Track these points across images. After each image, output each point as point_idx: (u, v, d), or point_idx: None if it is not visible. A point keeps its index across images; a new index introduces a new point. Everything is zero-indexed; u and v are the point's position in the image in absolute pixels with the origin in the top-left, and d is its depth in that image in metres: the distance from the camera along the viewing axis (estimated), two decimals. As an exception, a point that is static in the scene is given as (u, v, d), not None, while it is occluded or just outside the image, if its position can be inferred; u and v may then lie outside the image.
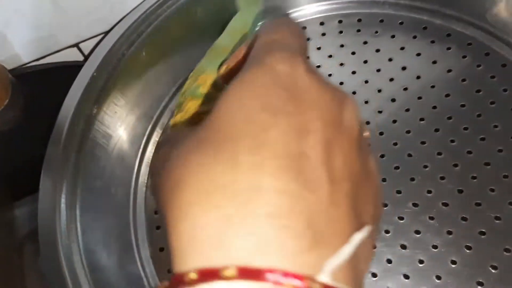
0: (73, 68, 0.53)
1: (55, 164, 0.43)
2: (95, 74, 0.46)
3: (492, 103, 0.46)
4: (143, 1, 0.51)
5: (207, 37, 0.54)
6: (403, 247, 0.41)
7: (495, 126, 0.45)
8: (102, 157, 0.47)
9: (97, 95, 0.46)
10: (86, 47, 0.55)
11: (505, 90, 0.46)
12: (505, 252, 0.39)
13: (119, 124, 0.49)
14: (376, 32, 0.54)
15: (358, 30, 0.55)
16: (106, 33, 0.54)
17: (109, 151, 0.48)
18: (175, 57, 0.54)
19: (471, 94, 0.47)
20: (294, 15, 0.57)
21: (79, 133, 0.44)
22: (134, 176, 0.51)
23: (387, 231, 0.42)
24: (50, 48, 0.54)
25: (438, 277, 0.39)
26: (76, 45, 0.55)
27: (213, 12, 0.54)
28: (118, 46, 0.48)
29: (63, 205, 0.41)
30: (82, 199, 0.43)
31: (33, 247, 0.55)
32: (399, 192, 0.44)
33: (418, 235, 0.42)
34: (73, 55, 0.56)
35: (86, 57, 0.56)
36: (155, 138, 0.53)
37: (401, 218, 0.43)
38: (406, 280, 0.40)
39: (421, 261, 0.40)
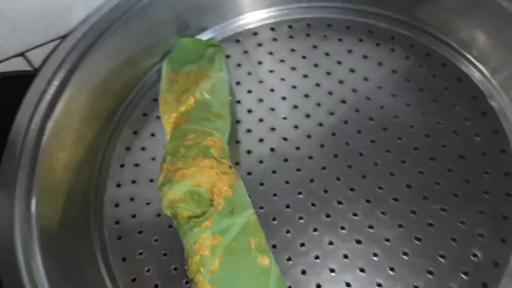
0: (20, 78, 0.51)
1: (10, 178, 0.41)
2: (47, 86, 0.45)
3: (434, 101, 0.49)
4: (92, 12, 0.50)
5: (158, 45, 0.56)
6: (358, 242, 0.43)
7: (438, 123, 0.47)
8: (59, 171, 0.46)
9: (50, 108, 0.45)
10: (33, 55, 0.54)
11: (446, 88, 0.49)
12: (452, 242, 0.41)
13: (76, 138, 0.48)
14: (325, 36, 0.56)
15: (308, 35, 0.56)
16: (53, 41, 0.53)
17: (66, 165, 0.47)
18: (125, 68, 0.54)
19: (415, 93, 0.49)
20: (244, 21, 0.58)
21: (33, 147, 0.43)
22: (93, 188, 0.50)
23: (342, 227, 0.44)
24: (-6, 58, 0.52)
25: (392, 269, 0.41)
26: (22, 54, 0.53)
27: (163, 19, 0.54)
28: (70, 58, 0.47)
29: (18, 222, 0.40)
30: (38, 213, 0.42)
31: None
32: (352, 189, 0.46)
33: (372, 230, 0.43)
34: (19, 65, 0.54)
35: (33, 67, 0.55)
36: (112, 151, 0.52)
37: (355, 215, 0.44)
38: (362, 273, 0.41)
39: (375, 254, 0.42)
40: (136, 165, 0.51)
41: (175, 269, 0.45)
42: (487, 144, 0.45)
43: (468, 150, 0.45)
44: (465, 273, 0.40)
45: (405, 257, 0.41)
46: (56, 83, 0.47)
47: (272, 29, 0.58)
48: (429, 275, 0.40)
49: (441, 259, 0.41)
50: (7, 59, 0.53)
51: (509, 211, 0.42)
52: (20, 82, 0.51)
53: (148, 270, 0.45)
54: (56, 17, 0.51)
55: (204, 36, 0.58)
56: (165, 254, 0.46)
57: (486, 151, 0.45)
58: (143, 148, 0.52)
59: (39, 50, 0.53)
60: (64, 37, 0.52)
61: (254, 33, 0.58)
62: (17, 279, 0.38)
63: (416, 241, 0.42)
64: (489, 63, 0.48)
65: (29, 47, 0.53)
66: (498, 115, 0.46)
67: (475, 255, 0.40)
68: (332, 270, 0.42)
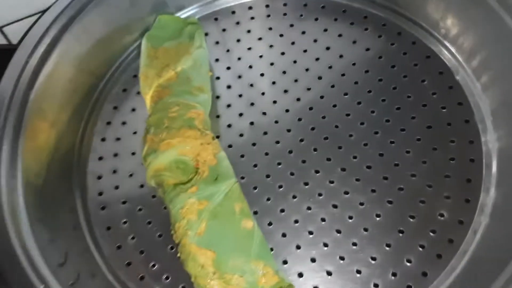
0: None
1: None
2: (28, 59, 0.45)
3: (405, 76, 0.52)
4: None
5: (137, 22, 0.56)
6: (335, 206, 0.46)
7: (408, 97, 0.50)
8: (41, 143, 0.46)
9: (32, 80, 0.45)
10: (10, 30, 0.53)
11: (415, 65, 0.52)
12: (420, 204, 0.45)
13: (57, 111, 0.49)
14: (301, 15, 0.58)
15: (285, 14, 0.58)
16: (31, 16, 0.53)
17: (48, 138, 0.47)
18: (104, 44, 0.55)
19: (387, 70, 0.52)
20: (222, 0, 0.60)
21: (16, 118, 0.44)
22: (75, 161, 0.51)
23: (320, 194, 0.46)
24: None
25: (366, 229, 0.44)
26: (0, 29, 0.53)
27: None
28: (50, 32, 0.48)
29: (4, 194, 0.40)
30: (23, 184, 0.42)
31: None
32: (328, 159, 0.48)
33: (347, 195, 0.46)
34: (-4, 40, 0.54)
35: (10, 41, 0.54)
36: (93, 126, 0.53)
37: (332, 182, 0.47)
38: (339, 234, 0.44)
39: (350, 217, 0.45)
40: (118, 139, 0.52)
41: (160, 236, 0.46)
42: (452, 115, 0.48)
43: (435, 121, 0.48)
44: (433, 231, 0.43)
45: (378, 218, 0.44)
46: (37, 56, 0.47)
47: (250, 8, 0.59)
48: (400, 234, 0.43)
49: (410, 219, 0.44)
50: (-16, 33, 0.52)
51: (473, 175, 0.45)
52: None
53: (132, 238, 0.47)
54: (35, -9, 0.51)
55: (183, 15, 0.60)
56: (149, 223, 0.47)
57: (452, 122, 0.48)
58: (124, 123, 0.53)
59: (17, 25, 0.53)
60: (43, 12, 0.52)
61: (232, 11, 0.59)
62: (8, 245, 0.38)
63: (388, 204, 0.45)
64: (455, 41, 0.51)
65: (6, 22, 0.52)
66: (463, 89, 0.49)
67: (442, 215, 0.44)
68: (310, 233, 0.45)
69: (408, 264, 0.42)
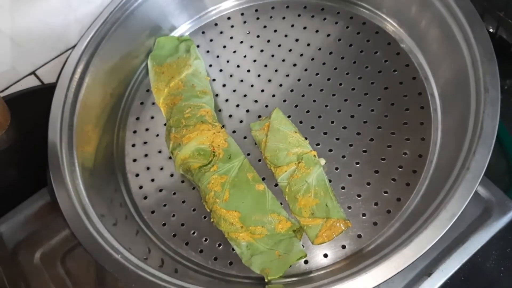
0: (35, 93, 0.64)
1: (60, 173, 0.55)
2: (67, 92, 0.58)
3: (361, 51, 0.64)
4: (87, 29, 0.63)
5: (140, 47, 0.68)
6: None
7: (366, 67, 0.63)
8: (89, 159, 0.59)
9: (72, 108, 0.58)
10: (41, 73, 0.66)
11: (368, 41, 0.65)
12: (388, 148, 0.57)
13: (93, 130, 0.62)
14: (271, 17, 0.70)
15: (257, 18, 0.71)
16: (56, 57, 0.65)
17: (92, 153, 0.60)
18: (119, 69, 0.67)
19: (346, 49, 0.65)
20: (205, 16, 0.72)
21: (68, 143, 0.57)
22: (116, 166, 0.64)
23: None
24: (11, 80, 0.64)
25: (350, 175, 0.57)
26: (33, 72, 0.65)
27: (140, 26, 0.68)
28: (77, 69, 0.61)
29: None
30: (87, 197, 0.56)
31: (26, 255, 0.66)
32: (312, 127, 0.61)
33: (331, 152, 0.59)
34: (28, 82, 0.66)
35: (42, 82, 0.67)
36: (123, 135, 0.66)
37: (318, 144, 0.60)
38: (330, 182, 0.57)
39: (337, 168, 0.58)
40: (145, 142, 0.65)
41: (194, 210, 0.59)
42: (402, 75, 0.61)
43: (390, 82, 0.61)
44: (400, 167, 0.56)
45: (357, 165, 0.57)
46: (72, 89, 0.60)
47: (229, 18, 0.72)
48: (376, 174, 0.56)
49: (382, 161, 0.57)
50: (21, 79, 0.64)
51: (424, 118, 0.58)
52: (36, 96, 0.64)
53: (173, 216, 0.59)
54: (57, 37, 0.63)
55: (176, 33, 0.72)
56: (183, 202, 0.60)
57: (403, 81, 0.61)
58: (147, 129, 0.66)
59: (46, 67, 0.65)
60: (65, 52, 0.65)
61: (215, 24, 0.72)
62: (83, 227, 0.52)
63: (363, 153, 0.58)
64: (396, 16, 0.64)
65: (37, 66, 0.64)
66: (408, 54, 0.62)
67: (405, 153, 0.57)
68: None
69: (386, 194, 0.55)
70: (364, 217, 0.54)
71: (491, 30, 0.70)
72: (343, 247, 0.53)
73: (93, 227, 0.52)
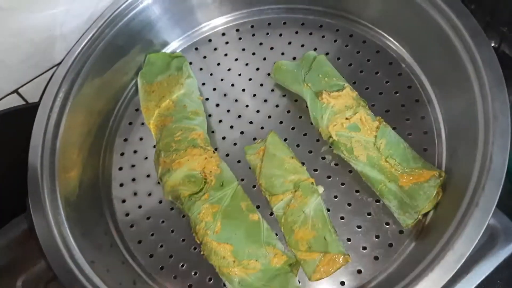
0: (18, 112, 0.60)
1: (38, 196, 0.52)
2: (50, 113, 0.55)
3: (361, 71, 0.61)
4: (73, 46, 0.60)
5: (130, 63, 0.65)
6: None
7: (367, 88, 0.60)
8: (72, 182, 0.56)
9: (55, 131, 0.55)
10: (25, 91, 0.62)
11: (368, 60, 0.62)
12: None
13: (78, 151, 0.58)
14: (267, 33, 0.67)
15: (253, 35, 0.68)
16: (40, 75, 0.62)
17: (76, 176, 0.57)
18: (107, 87, 0.64)
19: (346, 68, 0.62)
20: (199, 31, 0.69)
21: (49, 166, 0.53)
22: (102, 190, 0.60)
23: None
24: (-8, 98, 0.60)
25: (349, 204, 0.54)
26: (16, 91, 0.61)
27: (131, 42, 0.64)
28: (62, 87, 0.57)
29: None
30: (66, 219, 0.52)
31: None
32: (310, 152, 0.58)
33: (329, 179, 0.56)
34: (12, 101, 0.62)
35: (26, 101, 0.63)
36: (110, 158, 0.63)
37: (316, 170, 0.57)
38: (329, 212, 0.54)
39: (335, 196, 0.55)
40: (132, 165, 0.62)
41: (183, 240, 0.56)
42: (404, 97, 0.58)
43: (391, 105, 0.58)
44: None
45: (357, 194, 0.54)
46: (56, 110, 0.56)
47: (223, 34, 0.69)
48: (377, 203, 0.53)
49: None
50: (3, 97, 0.61)
51: (428, 144, 0.55)
52: (19, 115, 0.60)
53: (161, 246, 0.56)
54: (42, 54, 0.60)
55: (167, 50, 0.69)
56: (172, 231, 0.57)
57: (405, 103, 0.58)
58: (135, 151, 0.63)
59: (30, 85, 0.62)
60: (50, 69, 0.61)
61: (209, 40, 0.69)
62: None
63: (364, 181, 0.54)
64: (397, 35, 0.61)
65: (21, 83, 0.61)
66: (410, 74, 0.59)
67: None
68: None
69: (387, 226, 0.52)
70: (364, 251, 0.51)
71: (493, 44, 0.67)
72: (342, 283, 0.50)
73: (72, 260, 0.49)
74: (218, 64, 0.67)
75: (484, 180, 0.43)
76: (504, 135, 0.44)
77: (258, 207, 0.56)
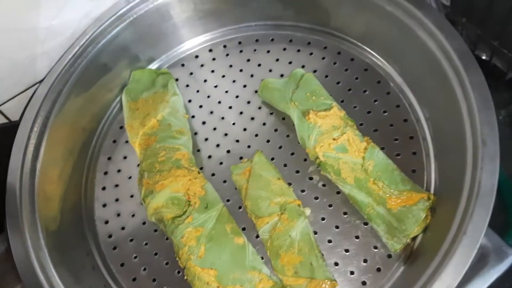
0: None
1: (16, 218, 0.50)
2: (30, 134, 0.53)
3: (349, 90, 0.60)
4: (55, 64, 0.58)
5: (115, 80, 0.64)
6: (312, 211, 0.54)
7: (355, 107, 0.59)
8: (53, 202, 0.54)
9: (36, 151, 0.53)
10: (6, 108, 0.61)
11: (356, 78, 0.61)
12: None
13: (60, 172, 0.57)
14: (255, 50, 0.66)
15: (241, 51, 0.67)
16: (22, 92, 0.60)
17: (57, 196, 0.55)
18: (90, 105, 0.62)
19: (334, 86, 0.61)
20: (186, 47, 0.68)
21: (29, 188, 0.52)
22: (84, 211, 0.59)
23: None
24: (-28, 116, 0.59)
25: (337, 227, 0.53)
26: (-3, 109, 0.60)
27: (116, 57, 0.63)
28: (43, 106, 0.55)
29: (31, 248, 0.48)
30: (45, 238, 0.50)
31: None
32: (297, 172, 0.57)
33: (317, 200, 0.55)
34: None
35: (8, 119, 0.61)
36: (93, 177, 0.61)
37: (303, 191, 0.55)
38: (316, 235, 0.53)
39: (323, 219, 0.53)
40: (116, 185, 0.60)
41: (166, 263, 0.54)
42: (393, 116, 0.57)
43: (380, 124, 0.57)
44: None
45: (345, 216, 0.53)
46: (36, 130, 0.55)
47: (210, 50, 0.68)
48: (365, 226, 0.52)
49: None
50: (-16, 115, 0.60)
51: (416, 165, 0.54)
52: (1, 134, 0.59)
53: (144, 269, 0.55)
54: (23, 71, 0.58)
55: (153, 66, 0.68)
56: (155, 254, 0.55)
57: (393, 123, 0.57)
58: (119, 171, 0.61)
59: (12, 102, 0.60)
60: (32, 86, 0.60)
61: (196, 56, 0.68)
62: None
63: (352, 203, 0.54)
64: (386, 54, 0.60)
65: (2, 101, 0.59)
66: (398, 93, 0.58)
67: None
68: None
69: (375, 250, 0.51)
70: (352, 275, 0.50)
71: (484, 57, 0.67)
72: (329, 309, 0.48)
73: (49, 285, 0.47)
74: (205, 80, 0.66)
75: (472, 206, 0.42)
76: (493, 160, 0.43)
77: (244, 229, 0.54)
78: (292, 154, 0.58)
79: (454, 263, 0.40)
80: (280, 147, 0.59)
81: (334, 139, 0.53)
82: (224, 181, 0.58)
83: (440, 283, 0.40)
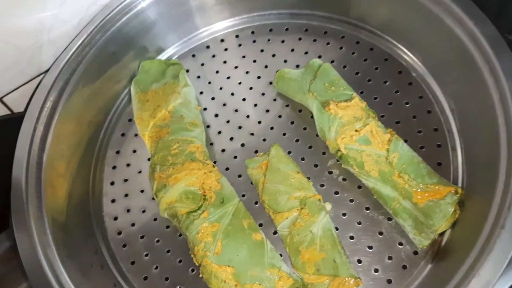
0: (2, 122, 0.56)
1: (22, 211, 0.47)
2: (36, 125, 0.50)
3: (369, 80, 0.58)
4: (62, 52, 0.56)
5: (123, 71, 0.61)
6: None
7: (375, 98, 0.57)
8: (60, 197, 0.51)
9: (42, 143, 0.50)
10: (10, 100, 0.58)
11: (376, 68, 0.58)
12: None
13: (66, 165, 0.54)
14: (269, 40, 0.64)
15: (254, 41, 0.64)
16: (27, 83, 0.58)
17: (64, 190, 0.52)
18: (98, 96, 0.60)
19: (353, 77, 0.58)
20: (196, 37, 0.65)
21: (36, 180, 0.49)
22: (92, 207, 0.56)
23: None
24: (-25, 107, 0.56)
25: (359, 223, 0.50)
26: (0, 100, 0.57)
27: (124, 48, 0.61)
28: (50, 96, 0.53)
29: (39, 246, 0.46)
30: (53, 236, 0.47)
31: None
32: (316, 165, 0.54)
33: (337, 195, 0.52)
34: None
35: (11, 110, 0.59)
36: (101, 172, 0.58)
37: (322, 186, 0.53)
38: (337, 230, 0.50)
39: (344, 214, 0.51)
40: (125, 180, 0.58)
41: (180, 261, 0.52)
42: (416, 108, 0.55)
43: (402, 116, 0.55)
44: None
45: (367, 211, 0.50)
46: (43, 121, 0.52)
47: (222, 40, 0.65)
48: (389, 221, 0.49)
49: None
50: (-14, 106, 0.57)
51: (442, 158, 0.51)
52: (3, 126, 0.56)
53: (156, 268, 0.52)
54: (28, 61, 0.55)
55: (163, 57, 0.65)
56: (168, 251, 0.52)
57: (416, 114, 0.54)
58: (128, 165, 0.59)
59: (15, 93, 0.58)
60: (37, 77, 0.57)
61: (207, 46, 0.65)
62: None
63: (375, 197, 0.51)
64: (407, 42, 0.58)
65: (5, 92, 0.57)
66: (421, 84, 0.56)
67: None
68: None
69: (400, 246, 0.48)
70: (376, 273, 0.47)
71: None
72: (353, 309, 0.46)
73: (58, 283, 0.45)
74: (217, 72, 0.63)
75: (509, 199, 0.39)
76: (530, 150, 0.41)
77: (260, 225, 0.52)
78: (310, 147, 0.56)
79: (492, 259, 0.37)
80: (297, 140, 0.56)
81: (356, 130, 0.50)
82: (239, 176, 0.55)
83: (478, 280, 0.37)
